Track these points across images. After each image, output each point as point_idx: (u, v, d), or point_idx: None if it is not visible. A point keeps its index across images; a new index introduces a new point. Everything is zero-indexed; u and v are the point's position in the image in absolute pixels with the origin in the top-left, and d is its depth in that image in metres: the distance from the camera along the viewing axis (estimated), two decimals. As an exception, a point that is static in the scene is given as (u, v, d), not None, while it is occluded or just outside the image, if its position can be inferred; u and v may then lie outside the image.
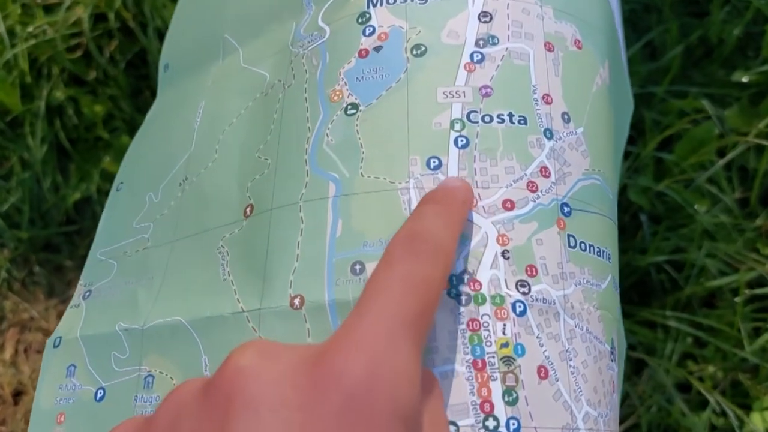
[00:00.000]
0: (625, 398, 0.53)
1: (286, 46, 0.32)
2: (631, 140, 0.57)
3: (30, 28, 0.63)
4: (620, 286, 0.29)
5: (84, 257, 0.72)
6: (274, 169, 0.29)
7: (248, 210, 0.29)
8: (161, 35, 0.66)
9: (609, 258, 0.27)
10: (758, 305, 0.53)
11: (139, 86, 0.68)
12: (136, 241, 0.34)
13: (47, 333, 0.70)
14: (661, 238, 0.55)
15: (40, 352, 0.70)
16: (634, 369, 0.54)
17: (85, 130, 0.67)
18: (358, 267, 0.25)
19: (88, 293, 0.35)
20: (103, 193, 0.67)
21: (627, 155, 0.57)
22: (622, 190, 0.55)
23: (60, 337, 0.34)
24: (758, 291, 0.52)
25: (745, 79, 0.57)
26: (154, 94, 0.68)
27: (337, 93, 0.28)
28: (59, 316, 0.70)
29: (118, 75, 0.66)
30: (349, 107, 0.27)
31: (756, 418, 0.51)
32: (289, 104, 0.29)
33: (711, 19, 0.59)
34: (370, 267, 0.24)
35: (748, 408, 0.52)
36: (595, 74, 0.29)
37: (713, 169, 0.55)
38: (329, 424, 0.17)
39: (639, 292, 0.56)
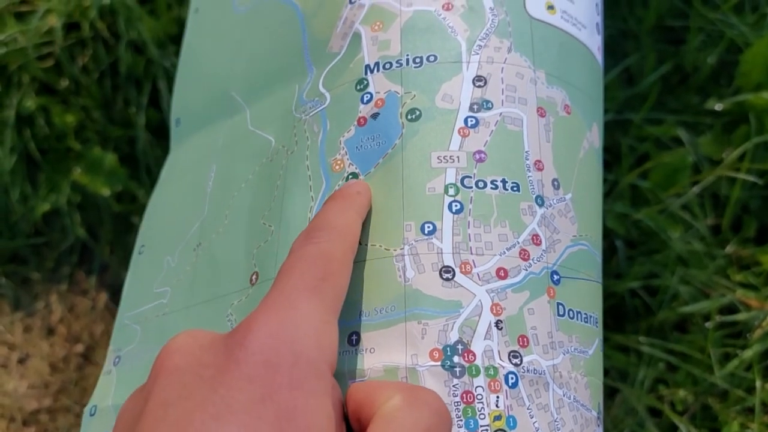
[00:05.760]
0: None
1: (289, 111, 0.32)
2: (606, 165, 0.58)
3: (1, 36, 0.61)
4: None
5: (52, 270, 0.70)
6: (277, 237, 0.29)
7: (254, 277, 0.29)
8: (136, 47, 0.65)
9: (596, 323, 0.28)
10: (728, 331, 0.54)
11: (111, 97, 0.67)
12: (155, 306, 0.35)
13: (12, 347, 0.68)
14: (637, 263, 0.56)
15: (5, 366, 0.68)
16: (607, 393, 0.55)
17: (56, 140, 0.66)
18: (354, 337, 0.25)
19: (117, 359, 0.35)
20: (74, 205, 0.66)
21: (603, 182, 0.57)
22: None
23: (95, 406, 0.34)
24: (728, 318, 0.54)
25: (718, 108, 0.58)
26: (126, 105, 0.67)
27: (339, 162, 0.28)
28: (25, 329, 0.69)
29: (90, 85, 0.65)
30: (350, 177, 0.27)
31: (724, 443, 0.52)
32: (291, 171, 0.30)
33: (687, 47, 0.60)
34: (366, 337, 0.25)
35: (717, 432, 0.53)
36: (582, 139, 0.29)
37: (686, 196, 0.56)
38: (236, 377, 0.19)
39: (614, 316, 0.57)
